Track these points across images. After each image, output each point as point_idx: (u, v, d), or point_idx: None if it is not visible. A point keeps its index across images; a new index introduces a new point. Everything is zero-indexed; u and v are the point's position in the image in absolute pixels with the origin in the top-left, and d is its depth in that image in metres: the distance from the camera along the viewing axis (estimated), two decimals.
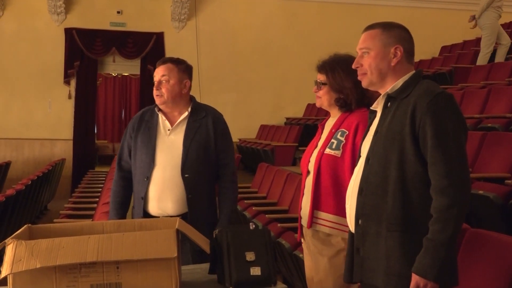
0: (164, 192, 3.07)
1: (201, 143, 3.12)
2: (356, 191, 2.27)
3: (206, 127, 3.16)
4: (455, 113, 2.10)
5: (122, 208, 3.23)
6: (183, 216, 3.00)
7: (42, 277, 1.94)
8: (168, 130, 3.16)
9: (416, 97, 2.12)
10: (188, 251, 2.93)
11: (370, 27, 2.30)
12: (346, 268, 2.36)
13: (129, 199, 3.27)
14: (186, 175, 3.06)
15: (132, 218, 3.19)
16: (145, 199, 3.10)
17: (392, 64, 2.23)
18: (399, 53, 2.23)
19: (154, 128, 3.16)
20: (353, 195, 2.29)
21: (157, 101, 3.15)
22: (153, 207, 3.09)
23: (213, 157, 3.17)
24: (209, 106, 3.30)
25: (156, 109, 3.21)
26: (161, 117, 3.19)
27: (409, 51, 2.26)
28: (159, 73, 3.15)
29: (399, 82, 2.23)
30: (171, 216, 2.99)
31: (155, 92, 3.14)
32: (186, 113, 3.17)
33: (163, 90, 3.12)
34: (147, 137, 3.14)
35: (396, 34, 2.25)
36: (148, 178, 3.08)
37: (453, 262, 2.08)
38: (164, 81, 3.13)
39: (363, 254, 2.23)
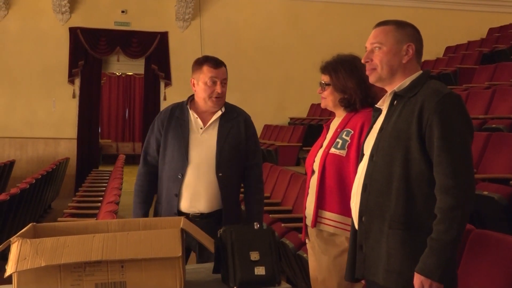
0: (198, 190, 3.09)
1: (233, 143, 3.15)
2: (361, 189, 2.27)
3: (238, 128, 3.19)
4: (462, 114, 2.10)
5: (147, 203, 3.22)
6: (216, 213, 3.09)
7: (46, 276, 1.94)
8: (201, 128, 3.16)
9: (424, 97, 2.12)
10: None
11: (383, 23, 2.29)
12: (348, 265, 2.36)
13: (153, 194, 3.25)
14: (220, 174, 3.09)
15: (158, 215, 3.18)
16: (178, 196, 3.10)
17: (404, 61, 2.23)
18: (411, 51, 2.23)
19: (186, 125, 3.16)
20: (358, 192, 2.29)
21: (218, 102, 3.15)
22: (186, 204, 3.10)
23: (242, 158, 3.20)
24: (237, 107, 3.31)
25: (188, 106, 3.21)
26: (193, 115, 3.19)
27: (419, 51, 2.26)
28: (221, 76, 3.15)
29: (407, 81, 2.23)
30: (203, 213, 3.07)
31: (218, 94, 3.13)
32: (220, 113, 3.19)
33: (223, 92, 3.16)
34: (179, 134, 3.14)
35: (409, 32, 2.25)
36: (182, 175, 3.09)
37: (454, 263, 2.08)
38: (224, 84, 3.15)
39: (365, 250, 2.23)
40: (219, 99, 3.14)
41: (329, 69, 2.88)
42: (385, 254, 2.14)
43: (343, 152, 2.77)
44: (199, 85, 3.14)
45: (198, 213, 3.06)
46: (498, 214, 3.92)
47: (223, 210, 3.10)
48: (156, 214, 3.21)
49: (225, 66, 3.19)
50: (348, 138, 2.78)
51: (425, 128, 2.08)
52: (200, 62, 3.17)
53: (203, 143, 3.13)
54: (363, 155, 2.35)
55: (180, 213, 3.08)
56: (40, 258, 1.91)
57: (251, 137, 3.24)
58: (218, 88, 3.11)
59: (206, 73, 3.13)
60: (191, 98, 3.25)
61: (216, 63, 3.15)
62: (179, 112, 3.20)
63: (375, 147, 2.23)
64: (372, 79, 2.31)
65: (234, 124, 3.18)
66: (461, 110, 2.10)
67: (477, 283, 2.65)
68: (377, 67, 2.25)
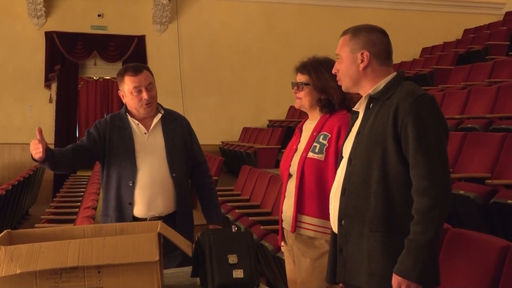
0: (154, 193, 3.06)
1: (180, 144, 3.17)
2: (339, 192, 2.27)
3: (181, 128, 3.22)
4: (436, 115, 2.11)
5: (57, 152, 2.99)
6: (169, 216, 3.06)
7: (22, 283, 1.92)
8: (145, 133, 3.14)
9: (398, 99, 2.13)
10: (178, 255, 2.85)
11: (343, 33, 2.34)
12: (328, 268, 2.37)
13: (67, 156, 3.02)
14: (174, 174, 3.09)
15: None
16: (132, 204, 3.06)
17: (360, 69, 2.25)
18: (365, 58, 2.24)
19: (128, 132, 3.12)
20: (336, 196, 2.30)
21: (148, 108, 3.10)
22: (142, 210, 3.07)
23: (188, 157, 3.23)
24: (174, 110, 3.32)
25: (126, 114, 3.16)
26: (133, 122, 3.15)
27: (379, 54, 2.25)
28: (145, 80, 3.08)
29: (381, 84, 2.24)
30: (160, 217, 3.02)
31: (147, 100, 3.07)
32: (160, 115, 3.17)
33: (151, 97, 3.09)
34: (124, 142, 3.10)
35: (363, 39, 2.26)
36: (133, 183, 3.05)
37: (435, 262, 2.09)
38: (150, 89, 3.09)
39: (346, 254, 2.24)
40: (149, 105, 3.09)
41: (309, 68, 2.85)
42: (366, 257, 2.15)
43: (321, 156, 2.76)
44: (127, 96, 3.11)
45: (156, 217, 3.03)
46: (474, 213, 3.97)
47: (177, 211, 3.10)
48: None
49: (147, 69, 3.13)
50: (325, 142, 2.76)
51: (400, 130, 2.09)
52: (121, 74, 3.13)
53: (151, 147, 3.12)
54: (341, 158, 2.36)
55: (135, 219, 3.06)
56: (15, 265, 1.88)
57: (195, 139, 3.31)
58: (144, 95, 3.06)
59: (128, 83, 3.09)
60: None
61: (134, 70, 3.10)
62: (119, 121, 3.16)
63: (353, 151, 2.24)
64: (342, 88, 2.37)
65: (177, 126, 3.21)
66: (435, 111, 2.11)
67: (454, 281, 2.67)
68: (341, 78, 2.32)
